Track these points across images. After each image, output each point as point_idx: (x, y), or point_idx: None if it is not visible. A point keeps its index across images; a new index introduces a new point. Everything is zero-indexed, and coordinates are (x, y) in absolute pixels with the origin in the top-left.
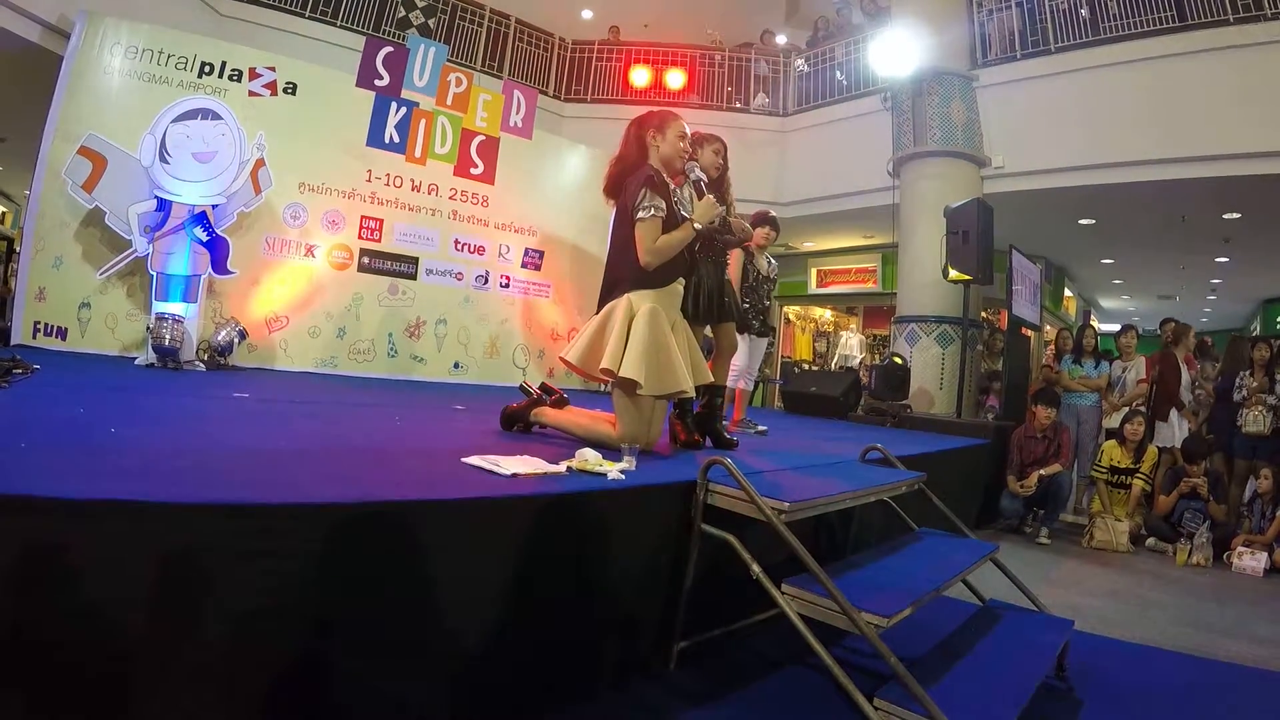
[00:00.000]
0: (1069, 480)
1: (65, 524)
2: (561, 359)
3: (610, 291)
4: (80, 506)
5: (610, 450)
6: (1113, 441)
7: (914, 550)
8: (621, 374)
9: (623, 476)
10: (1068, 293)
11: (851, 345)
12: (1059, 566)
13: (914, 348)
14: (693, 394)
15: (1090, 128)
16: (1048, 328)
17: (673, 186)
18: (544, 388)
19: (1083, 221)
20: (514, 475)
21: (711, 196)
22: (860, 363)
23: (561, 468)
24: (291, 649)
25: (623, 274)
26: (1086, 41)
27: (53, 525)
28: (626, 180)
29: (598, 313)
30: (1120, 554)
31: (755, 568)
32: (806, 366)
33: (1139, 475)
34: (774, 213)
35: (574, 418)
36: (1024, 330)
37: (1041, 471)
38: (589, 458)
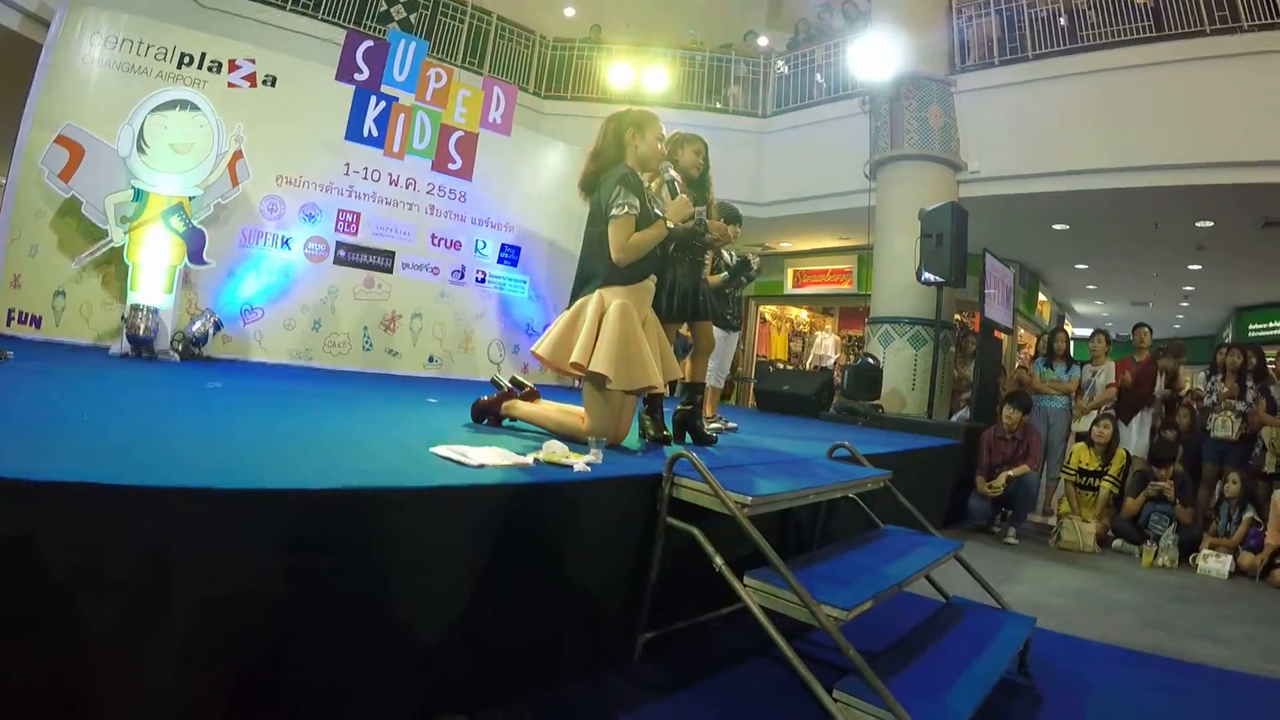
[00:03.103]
0: (1037, 482)
1: (28, 505)
2: (533, 352)
3: (582, 287)
4: (43, 488)
5: (579, 444)
6: (1081, 444)
7: (878, 546)
8: (591, 368)
9: (589, 469)
10: (1041, 297)
11: (826, 346)
12: (1025, 566)
13: (887, 349)
14: (663, 390)
15: (1064, 134)
16: (1022, 331)
17: (648, 185)
18: (515, 381)
19: (1056, 227)
20: (481, 465)
21: (685, 196)
22: (835, 363)
23: (529, 459)
24: (251, 638)
25: (595, 270)
26: (1064, 49)
27: (15, 506)
28: (602, 178)
29: (569, 307)
30: (1086, 555)
31: (718, 561)
32: (781, 366)
33: (1107, 478)
34: (748, 212)
35: (544, 411)
36: (996, 333)
37: (1010, 472)
38: (556, 449)
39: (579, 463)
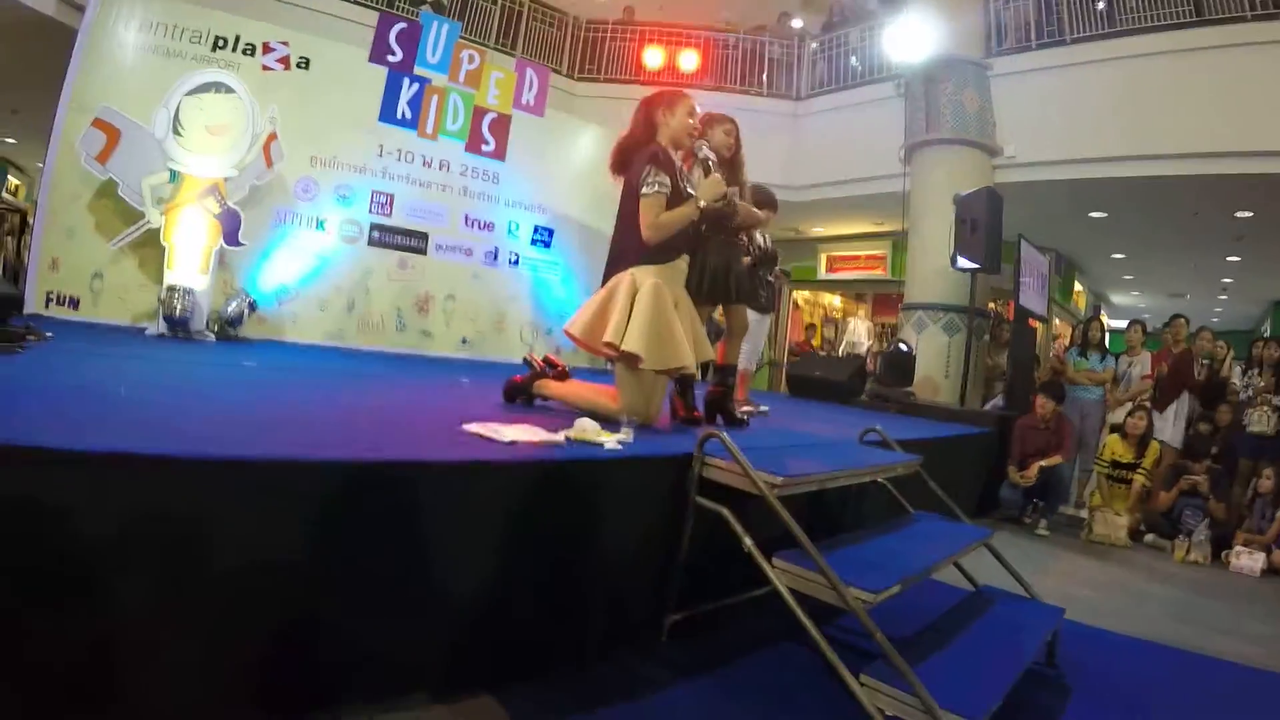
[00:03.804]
0: (1070, 472)
1: (67, 474)
2: (565, 331)
3: (614, 266)
4: (81, 457)
5: (611, 424)
6: (1115, 436)
7: (908, 532)
8: (624, 347)
9: (619, 447)
10: (1078, 286)
11: (859, 332)
12: (1056, 557)
13: (921, 336)
14: (694, 370)
15: (1102, 120)
16: (1056, 321)
17: (681, 165)
18: (547, 361)
19: (1094, 215)
20: (512, 442)
21: (717, 175)
22: (868, 350)
23: (560, 437)
24: (287, 607)
25: (627, 249)
26: (1102, 34)
27: (55, 475)
28: (633, 156)
29: (602, 287)
30: (1118, 548)
31: (747, 541)
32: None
33: (1140, 470)
34: (782, 196)
35: (576, 390)
36: (1031, 321)
37: (1042, 463)
38: (587, 427)
39: (610, 440)
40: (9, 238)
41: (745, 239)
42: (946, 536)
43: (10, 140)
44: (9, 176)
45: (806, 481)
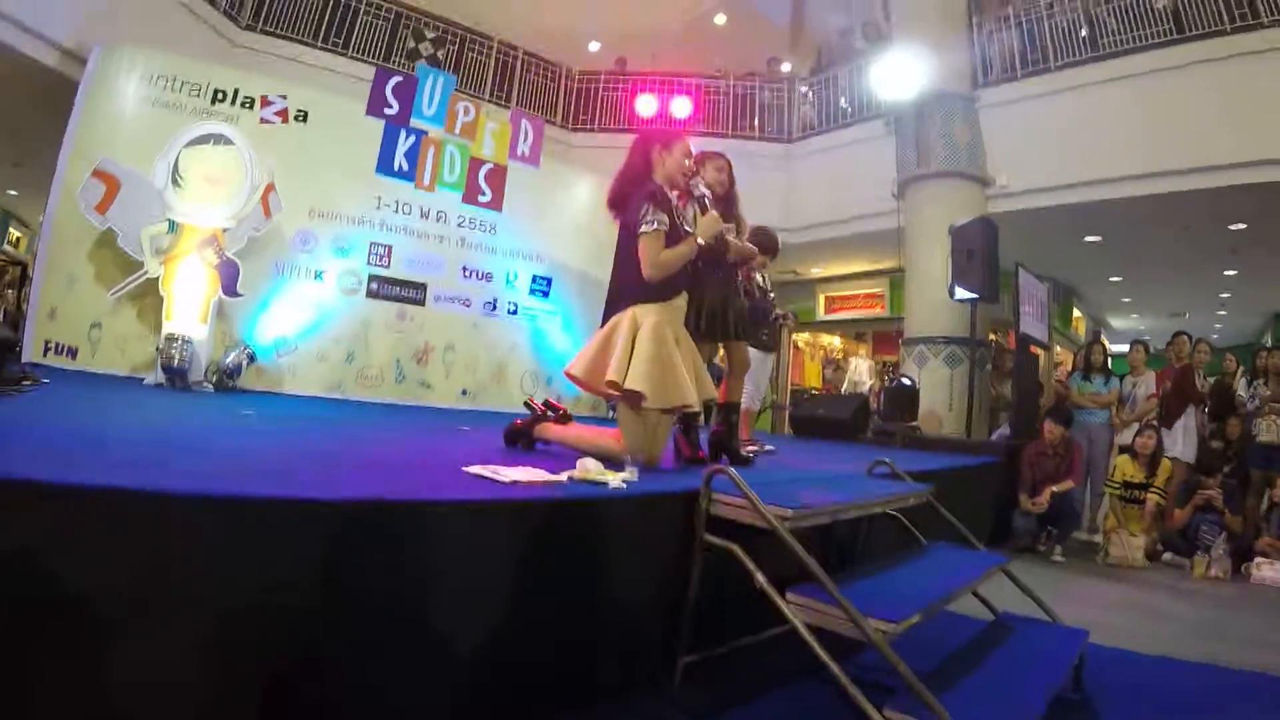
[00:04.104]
0: (1081, 497)
1: (58, 509)
2: (566, 373)
3: (614, 305)
4: (74, 491)
5: (614, 464)
6: (1125, 456)
7: (923, 562)
8: (626, 386)
9: (624, 485)
10: (1076, 313)
11: (861, 371)
12: (1074, 583)
13: (923, 369)
14: (698, 408)
15: (1092, 143)
16: (1058, 348)
17: (677, 203)
18: (548, 404)
19: (1089, 239)
20: (513, 482)
21: (715, 213)
22: (870, 389)
23: (562, 477)
24: (284, 648)
25: (626, 288)
26: (1086, 58)
27: (47, 510)
28: (629, 195)
29: (602, 326)
30: (1136, 570)
31: (760, 577)
32: (815, 393)
33: (1153, 489)
34: (780, 237)
35: (578, 432)
36: (1033, 349)
37: (1054, 488)
38: (590, 467)
39: (614, 479)
40: (9, 290)
41: (744, 277)
42: (963, 565)
43: (12, 192)
44: (10, 229)
45: (817, 513)
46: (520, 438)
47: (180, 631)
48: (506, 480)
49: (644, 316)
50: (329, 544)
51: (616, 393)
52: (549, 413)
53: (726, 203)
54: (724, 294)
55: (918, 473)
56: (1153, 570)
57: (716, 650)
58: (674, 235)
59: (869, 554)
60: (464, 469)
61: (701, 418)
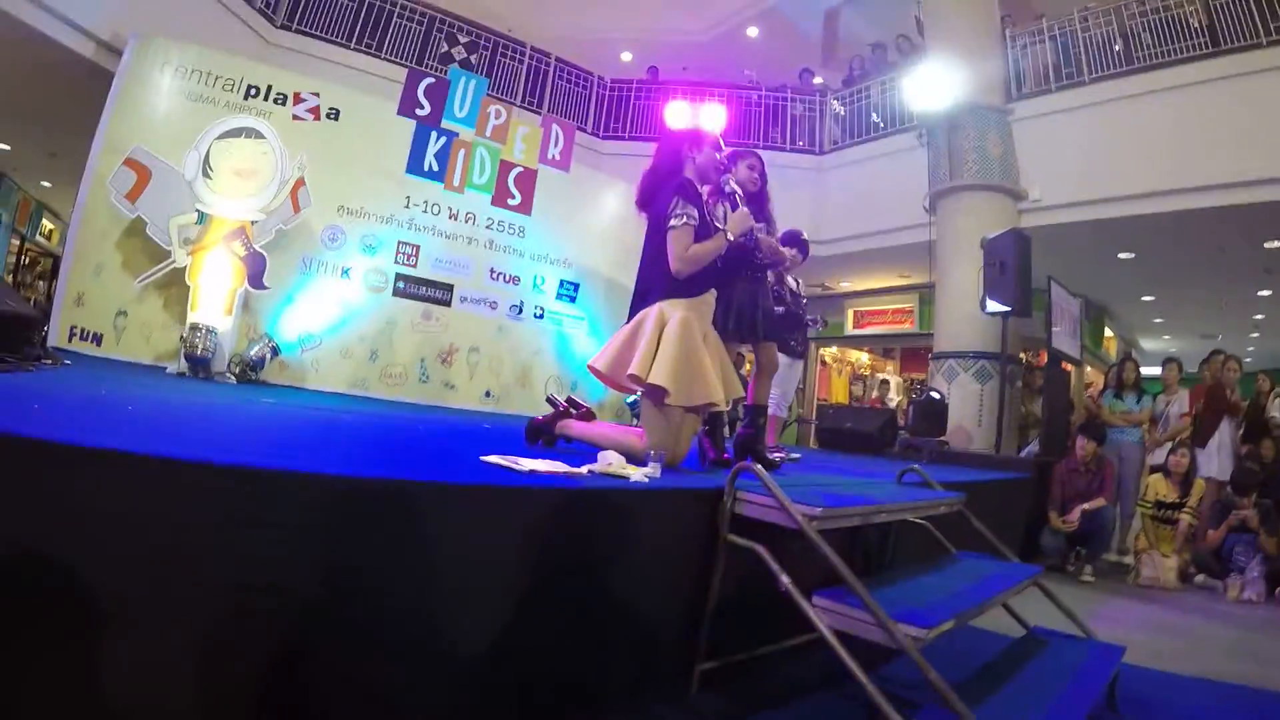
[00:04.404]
0: (1113, 515)
1: (66, 468)
2: (589, 367)
3: (641, 300)
4: (82, 453)
5: (637, 462)
6: (1158, 475)
7: (954, 570)
8: (650, 380)
9: (646, 480)
10: (1108, 332)
11: (888, 388)
12: (1104, 603)
13: (952, 384)
14: (724, 407)
15: (1125, 158)
16: (1088, 368)
17: (707, 200)
18: (571, 401)
19: (1121, 256)
20: (531, 471)
21: (745, 209)
22: (897, 405)
23: (583, 470)
24: (278, 630)
25: (654, 283)
26: (1120, 71)
27: (55, 469)
28: (659, 190)
29: (628, 321)
30: (1168, 591)
31: (784, 579)
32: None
33: (1186, 509)
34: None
35: (600, 430)
36: (1064, 364)
37: (1085, 506)
38: (611, 460)
39: (636, 473)
40: (40, 281)
41: (774, 279)
42: (995, 575)
43: (46, 184)
44: (44, 221)
45: (847, 514)
46: (541, 434)
47: (170, 609)
48: (524, 469)
49: (671, 311)
50: (329, 522)
51: (639, 387)
52: (571, 410)
53: (758, 202)
54: (753, 294)
55: (948, 483)
56: (1185, 592)
57: (736, 657)
58: (704, 230)
59: (897, 562)
60: (482, 458)
61: (728, 411)
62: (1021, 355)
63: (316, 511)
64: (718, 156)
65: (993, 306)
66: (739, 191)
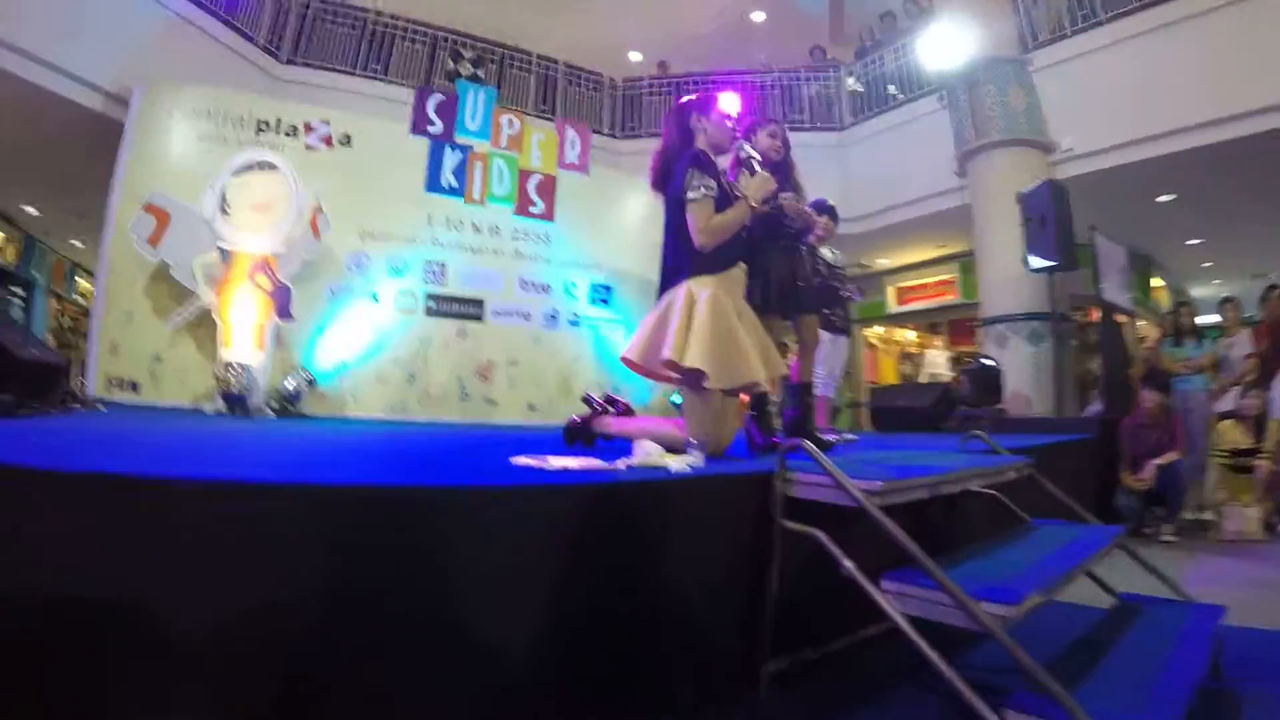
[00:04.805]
0: (1187, 468)
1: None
2: (621, 358)
3: (667, 282)
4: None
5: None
6: (1229, 422)
7: (1031, 540)
8: (686, 364)
9: (688, 469)
10: (1156, 281)
11: (938, 364)
12: (1191, 563)
13: (1004, 350)
14: (766, 386)
15: (1155, 94)
16: (1141, 321)
17: (726, 171)
18: (608, 399)
19: (1162, 199)
20: (563, 469)
21: (764, 173)
22: (954, 377)
23: (619, 465)
24: (300, 644)
25: (679, 261)
26: (1137, 5)
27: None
28: (672, 166)
29: (656, 304)
30: (1256, 543)
31: (847, 564)
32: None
33: (1263, 455)
34: (839, 229)
35: (639, 424)
36: (1117, 317)
37: (1157, 461)
38: (650, 450)
39: (677, 463)
40: (83, 340)
41: (808, 249)
42: (1077, 541)
43: (77, 243)
44: (78, 279)
45: (911, 486)
46: (579, 435)
47: (192, 629)
48: (555, 467)
49: (699, 289)
50: (354, 535)
51: (675, 374)
52: (609, 407)
53: (782, 171)
54: (790, 264)
55: (1011, 450)
56: (1274, 542)
57: (806, 654)
58: (724, 200)
59: (967, 537)
60: (512, 460)
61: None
62: (1073, 313)
63: (339, 525)
64: (729, 124)
65: (1036, 263)
66: (756, 157)
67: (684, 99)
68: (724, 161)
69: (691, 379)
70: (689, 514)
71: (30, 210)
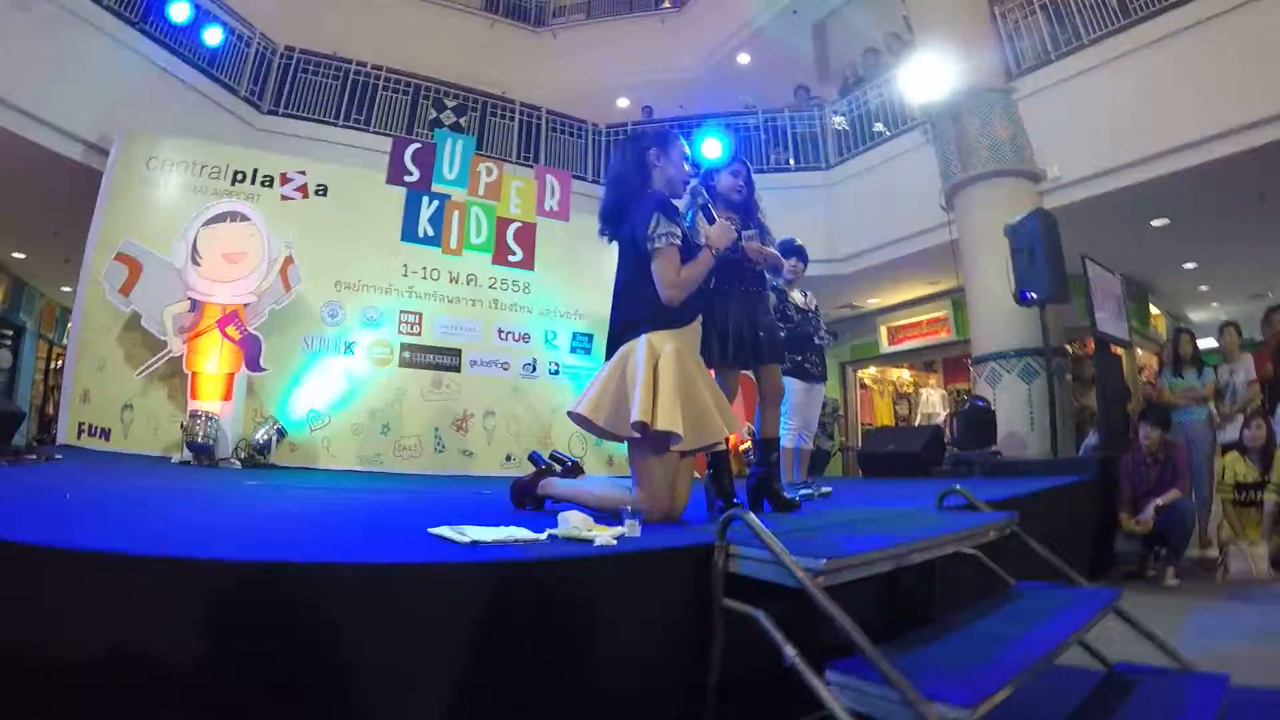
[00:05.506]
0: (1191, 507)
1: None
2: (571, 413)
3: (621, 336)
4: None
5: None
6: (1234, 454)
7: (1012, 609)
8: (658, 427)
9: (614, 542)
10: (1154, 309)
11: (934, 402)
12: (1195, 611)
13: (997, 388)
14: (724, 446)
15: (1142, 116)
16: (1139, 350)
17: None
18: (554, 457)
19: (1155, 223)
20: (474, 542)
21: (724, 221)
22: (945, 419)
23: (543, 536)
24: None
25: (637, 314)
26: (1120, 26)
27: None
28: (629, 208)
29: (608, 358)
30: (1264, 584)
31: (789, 651)
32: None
33: (1271, 487)
34: (826, 270)
35: (585, 487)
36: (1113, 348)
37: (1158, 501)
38: (575, 522)
39: (602, 536)
40: None
41: (776, 298)
42: (1063, 607)
43: (66, 289)
44: (69, 324)
45: (863, 562)
46: (526, 496)
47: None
48: (466, 541)
49: (661, 344)
50: (219, 611)
51: (638, 435)
52: (553, 465)
53: (745, 210)
54: (751, 312)
55: (1001, 501)
56: None
57: None
58: (688, 249)
59: (948, 603)
60: (429, 530)
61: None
62: (1067, 347)
63: (199, 600)
64: (686, 166)
65: (1028, 297)
66: (707, 199)
67: (641, 128)
68: (679, 204)
69: (656, 441)
70: (616, 593)
71: (17, 255)
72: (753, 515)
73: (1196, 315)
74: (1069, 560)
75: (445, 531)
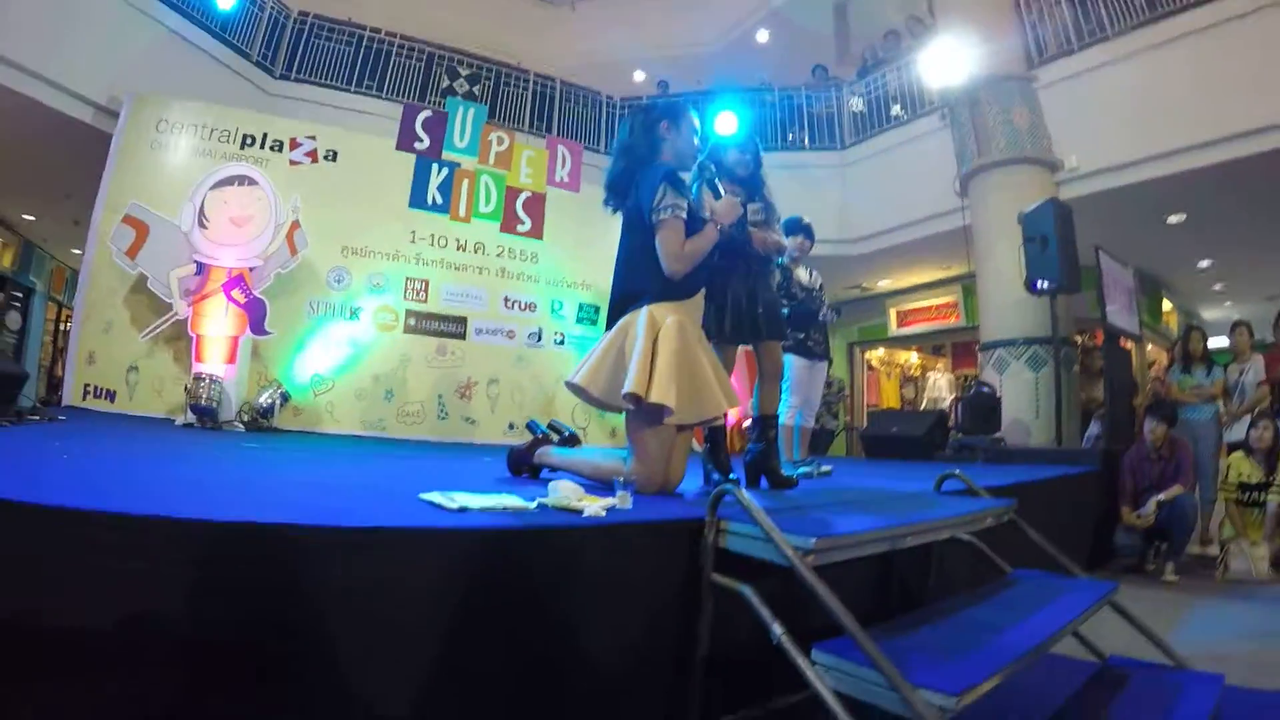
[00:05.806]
0: (1193, 504)
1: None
2: (568, 384)
3: (623, 306)
4: None
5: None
6: (1239, 454)
7: (1006, 598)
8: (651, 399)
9: (603, 514)
10: (1166, 305)
11: (940, 387)
12: (1192, 607)
13: (1004, 375)
14: (723, 420)
15: (1164, 111)
16: (1150, 346)
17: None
18: (552, 426)
19: (1171, 219)
20: (462, 508)
21: (731, 197)
22: (951, 404)
23: (533, 505)
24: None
25: (640, 285)
26: (1144, 20)
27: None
28: (636, 178)
29: (608, 329)
30: (1263, 584)
31: (777, 628)
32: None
33: (1274, 489)
34: (838, 250)
35: (582, 456)
36: (1124, 342)
37: (1160, 496)
38: (566, 491)
39: (592, 506)
40: None
41: (780, 275)
42: (1058, 598)
43: (77, 251)
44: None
45: (855, 543)
46: (523, 465)
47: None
48: (454, 507)
49: (663, 316)
50: (200, 571)
51: (633, 406)
52: (550, 434)
53: (752, 186)
54: (751, 289)
55: (1001, 488)
56: None
57: (742, 715)
58: (693, 222)
59: (942, 589)
60: (420, 496)
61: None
62: (1076, 338)
63: (177, 559)
64: (695, 140)
65: (1039, 285)
66: (714, 173)
67: (654, 99)
68: (685, 177)
69: (651, 413)
70: (604, 564)
71: (27, 217)
72: (744, 491)
73: (1210, 313)
74: (1068, 551)
75: (435, 497)
